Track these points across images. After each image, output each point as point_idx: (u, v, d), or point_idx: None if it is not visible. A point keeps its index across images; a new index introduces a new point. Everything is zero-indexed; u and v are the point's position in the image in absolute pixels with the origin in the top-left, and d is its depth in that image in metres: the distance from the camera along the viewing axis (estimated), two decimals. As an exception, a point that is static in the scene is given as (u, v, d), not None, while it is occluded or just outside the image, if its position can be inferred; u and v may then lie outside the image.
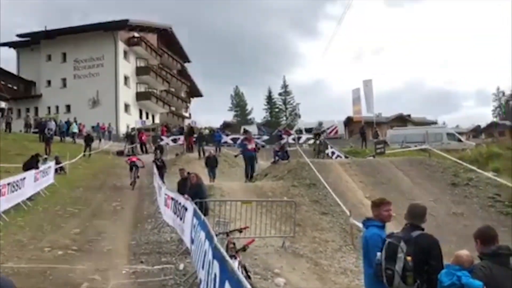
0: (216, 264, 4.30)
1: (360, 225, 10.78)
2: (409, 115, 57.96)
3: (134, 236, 10.95)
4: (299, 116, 43.47)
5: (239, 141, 31.44)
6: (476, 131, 56.14)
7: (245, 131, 37.50)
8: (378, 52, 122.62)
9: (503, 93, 76.14)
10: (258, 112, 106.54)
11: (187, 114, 60.33)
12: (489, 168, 17.56)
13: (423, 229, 4.01)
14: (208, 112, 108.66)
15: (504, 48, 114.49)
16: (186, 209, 8.98)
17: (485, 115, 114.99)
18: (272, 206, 11.38)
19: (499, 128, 55.11)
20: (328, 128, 42.64)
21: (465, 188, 14.16)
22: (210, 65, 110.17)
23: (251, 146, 16.55)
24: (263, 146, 30.35)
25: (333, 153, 26.72)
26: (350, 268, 9.08)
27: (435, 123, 51.07)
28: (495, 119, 67.10)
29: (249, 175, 16.18)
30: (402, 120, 54.46)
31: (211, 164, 19.02)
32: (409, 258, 3.69)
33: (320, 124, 24.67)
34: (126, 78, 46.48)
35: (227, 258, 3.67)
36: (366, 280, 4.36)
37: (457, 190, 14.17)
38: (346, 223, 11.45)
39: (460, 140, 32.25)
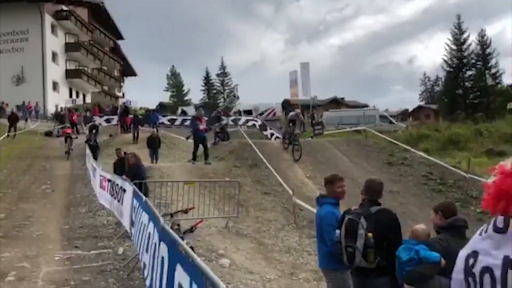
0: (163, 247, 3.98)
1: (303, 203, 10.88)
2: (342, 98, 59.67)
3: (67, 220, 10.25)
4: (238, 98, 43.14)
5: (177, 122, 30.66)
6: (404, 114, 58.98)
7: (183, 112, 36.76)
8: (313, 36, 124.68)
9: (429, 79, 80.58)
10: (195, 93, 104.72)
11: (120, 94, 57.94)
12: (420, 148, 18.45)
13: (380, 204, 3.92)
14: (143, 92, 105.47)
15: (431, 35, 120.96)
16: (124, 191, 8.47)
17: (412, 99, 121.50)
18: (214, 187, 11.13)
19: (425, 111, 58.44)
20: (266, 110, 42.99)
21: (400, 167, 14.73)
22: (145, 44, 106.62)
23: (202, 126, 15.17)
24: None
25: (272, 134, 26.88)
26: (294, 246, 9.09)
27: (367, 106, 52.88)
28: (421, 103, 70.74)
29: (205, 156, 14.84)
30: (336, 103, 55.94)
31: (154, 145, 17.89)
32: (370, 234, 3.57)
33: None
34: (54, 55, 43.53)
35: (178, 239, 3.38)
36: (322, 259, 4.24)
37: (393, 169, 14.71)
38: (288, 203, 11.46)
39: (392, 122, 33.68)
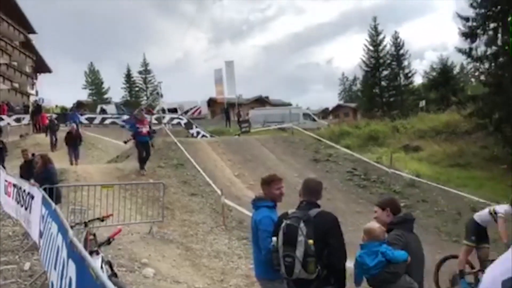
0: (72, 265, 3.38)
1: (232, 204, 10.50)
2: (267, 97, 60.42)
3: (-37, 233, 8.96)
4: (161, 96, 41.76)
5: (96, 121, 28.96)
6: (324, 112, 61.08)
7: (102, 110, 34.85)
8: (236, 35, 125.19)
9: (347, 78, 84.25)
10: (116, 91, 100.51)
11: (33, 92, 53.76)
12: (342, 145, 18.90)
13: (319, 206, 3.59)
14: (59, 90, 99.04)
15: (347, 37, 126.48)
16: (32, 197, 7.54)
17: (332, 98, 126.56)
18: (137, 189, 10.36)
19: (344, 109, 60.96)
20: (191, 109, 42.15)
21: (326, 163, 14.88)
22: (60, 38, 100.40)
23: (145, 129, 13.21)
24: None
25: (198, 132, 26.28)
26: (223, 250, 8.66)
27: (290, 104, 53.93)
28: (340, 102, 73.74)
29: (143, 162, 13.14)
30: (261, 101, 56.55)
31: (73, 141, 16.13)
32: (310, 241, 3.17)
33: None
34: (-48, 48, 39.32)
35: (88, 258, 2.82)
36: (258, 267, 3.85)
37: (319, 165, 14.83)
38: (216, 203, 11.02)
39: (314, 120, 34.47)
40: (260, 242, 3.70)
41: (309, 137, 18.55)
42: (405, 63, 42.67)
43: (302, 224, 3.26)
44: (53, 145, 19.67)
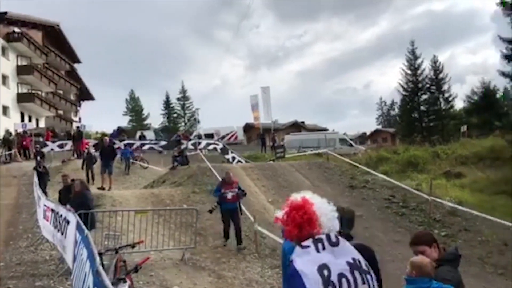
0: (97, 294, 3.36)
1: (265, 231, 10.32)
2: (303, 122, 60.28)
3: (3, 256, 9.19)
4: (199, 122, 42.48)
5: (135, 146, 29.51)
6: (362, 138, 60.21)
7: (142, 136, 35.68)
8: (273, 61, 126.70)
9: (385, 103, 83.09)
10: (155, 118, 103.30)
11: (76, 118, 55.97)
12: (379, 171, 18.39)
13: (352, 238, 3.39)
14: (101, 117, 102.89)
15: (385, 62, 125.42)
16: (68, 222, 7.67)
17: (369, 123, 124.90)
18: (170, 215, 10.39)
19: (382, 134, 59.95)
20: (227, 134, 42.59)
21: (362, 190, 14.49)
22: (103, 67, 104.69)
23: (231, 194, 10.36)
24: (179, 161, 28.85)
25: (233, 158, 26.37)
26: (256, 279, 8.47)
27: (326, 129, 53.57)
28: (378, 127, 72.62)
29: (237, 239, 10.32)
30: (297, 126, 56.43)
31: (107, 155, 15.61)
32: None
33: None
34: (4, 78, 41.57)
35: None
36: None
37: (355, 192, 14.46)
38: (249, 230, 10.87)
39: (351, 145, 33.96)
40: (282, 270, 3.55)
41: (345, 163, 18.22)
42: (445, 87, 41.78)
43: None
44: (89, 180, 16.73)
